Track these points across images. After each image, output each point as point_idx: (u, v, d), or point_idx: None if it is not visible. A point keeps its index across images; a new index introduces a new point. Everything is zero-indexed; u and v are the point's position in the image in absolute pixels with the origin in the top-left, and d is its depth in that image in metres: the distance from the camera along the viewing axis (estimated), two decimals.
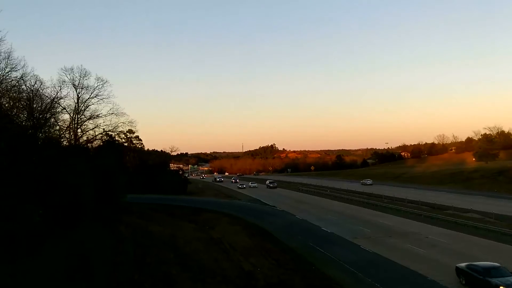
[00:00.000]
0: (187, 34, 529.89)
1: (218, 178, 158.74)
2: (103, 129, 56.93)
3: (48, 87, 47.44)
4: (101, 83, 53.78)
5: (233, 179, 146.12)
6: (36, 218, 29.57)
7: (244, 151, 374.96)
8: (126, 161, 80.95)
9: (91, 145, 57.77)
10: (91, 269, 26.84)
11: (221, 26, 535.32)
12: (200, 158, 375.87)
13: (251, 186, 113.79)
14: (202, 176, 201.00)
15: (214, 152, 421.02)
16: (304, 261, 32.72)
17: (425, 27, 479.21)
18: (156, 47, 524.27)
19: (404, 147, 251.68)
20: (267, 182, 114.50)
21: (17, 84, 36.93)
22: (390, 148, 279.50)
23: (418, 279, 26.88)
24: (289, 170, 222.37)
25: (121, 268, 28.35)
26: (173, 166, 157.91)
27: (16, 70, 35.99)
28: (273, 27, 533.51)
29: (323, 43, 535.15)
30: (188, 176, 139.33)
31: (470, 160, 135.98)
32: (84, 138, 55.08)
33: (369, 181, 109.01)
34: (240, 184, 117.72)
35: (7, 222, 25.33)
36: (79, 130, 53.11)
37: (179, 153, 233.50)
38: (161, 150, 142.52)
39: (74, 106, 52.05)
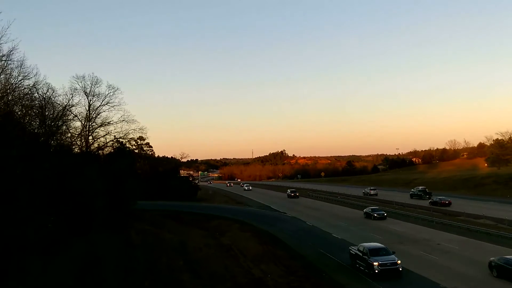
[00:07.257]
0: (197, 41, 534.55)
1: (246, 186, 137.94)
2: (114, 136, 57.48)
3: (60, 94, 48.07)
4: (112, 91, 54.33)
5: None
6: (48, 225, 29.86)
7: (254, 157, 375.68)
8: (137, 168, 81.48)
9: (102, 152, 58.28)
10: (103, 275, 27.03)
11: (229, 33, 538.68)
12: (210, 165, 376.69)
13: None
14: (229, 184, 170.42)
15: (224, 158, 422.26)
16: (315, 268, 32.52)
17: (436, 32, 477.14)
18: (166, 54, 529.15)
19: (415, 153, 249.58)
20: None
21: (29, 92, 37.33)
22: (400, 154, 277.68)
23: (430, 286, 26.59)
24: (299, 176, 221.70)
25: (132, 275, 28.50)
26: (183, 172, 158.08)
27: (29, 78, 36.33)
28: (282, 33, 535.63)
29: (333, 48, 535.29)
30: (198, 182, 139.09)
31: (482, 165, 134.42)
32: (95, 145, 55.60)
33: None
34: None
35: (19, 229, 25.61)
36: (90, 137, 53.61)
37: (189, 159, 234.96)
38: (171, 157, 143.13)
39: (85, 114, 52.61)
